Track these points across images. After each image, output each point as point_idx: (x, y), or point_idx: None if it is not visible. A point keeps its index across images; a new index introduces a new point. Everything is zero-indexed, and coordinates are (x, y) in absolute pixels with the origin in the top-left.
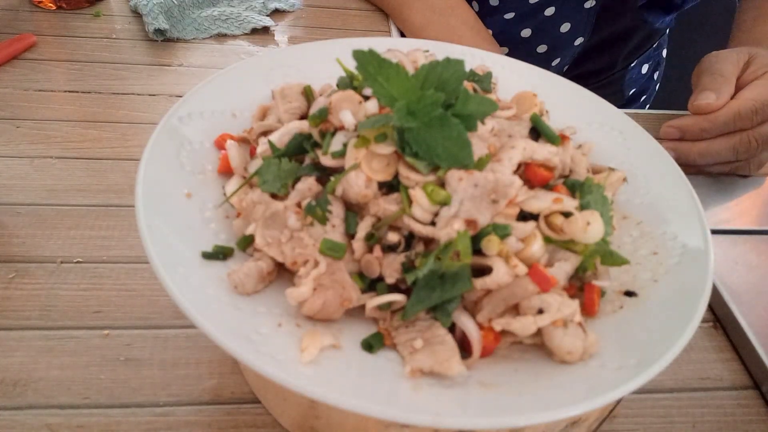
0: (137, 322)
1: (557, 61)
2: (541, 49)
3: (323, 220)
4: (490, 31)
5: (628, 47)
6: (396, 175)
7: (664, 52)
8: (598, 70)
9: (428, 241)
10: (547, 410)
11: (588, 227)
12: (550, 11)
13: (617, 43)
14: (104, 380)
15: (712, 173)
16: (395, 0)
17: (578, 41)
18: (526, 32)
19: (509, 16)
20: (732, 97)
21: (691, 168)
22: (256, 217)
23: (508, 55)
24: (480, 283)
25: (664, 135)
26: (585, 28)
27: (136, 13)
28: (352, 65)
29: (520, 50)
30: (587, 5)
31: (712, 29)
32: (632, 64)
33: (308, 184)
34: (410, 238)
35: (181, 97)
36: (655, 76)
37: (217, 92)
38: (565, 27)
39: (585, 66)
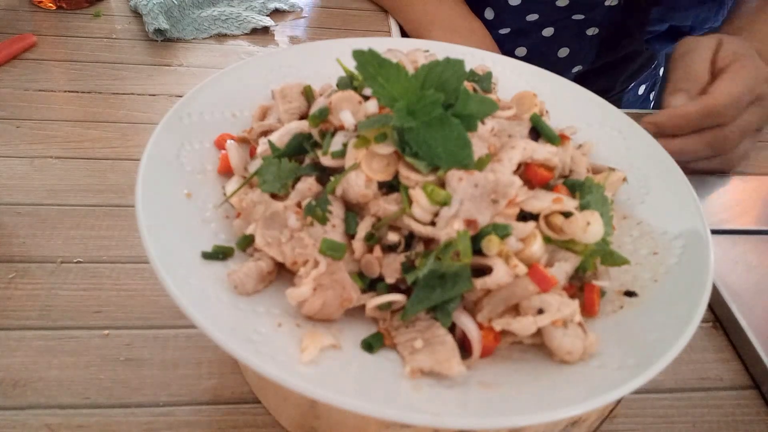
0: (137, 322)
1: None
2: None
3: (323, 220)
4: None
5: (628, 71)
6: (396, 175)
7: (662, 71)
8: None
9: (428, 241)
10: (547, 410)
11: (588, 227)
12: (548, 32)
13: (617, 67)
14: (104, 380)
15: (697, 171)
16: (417, 14)
17: (576, 69)
18: (521, 51)
19: (504, 31)
20: (705, 87)
21: None
22: (256, 217)
23: None
24: (480, 283)
25: None
26: (585, 58)
27: (136, 13)
28: (352, 65)
29: None
30: (589, 32)
31: None
32: (630, 87)
33: (308, 184)
34: (410, 238)
35: (181, 97)
36: (652, 96)
37: (217, 92)
38: (564, 52)
39: None
